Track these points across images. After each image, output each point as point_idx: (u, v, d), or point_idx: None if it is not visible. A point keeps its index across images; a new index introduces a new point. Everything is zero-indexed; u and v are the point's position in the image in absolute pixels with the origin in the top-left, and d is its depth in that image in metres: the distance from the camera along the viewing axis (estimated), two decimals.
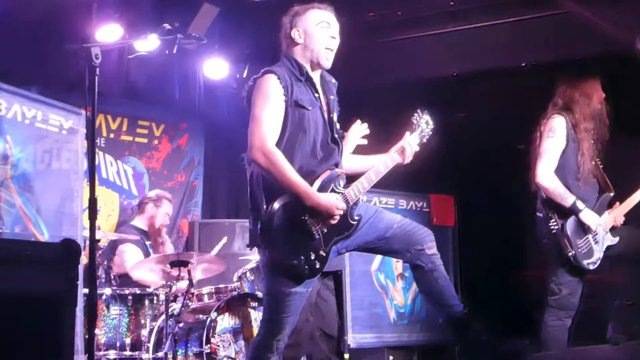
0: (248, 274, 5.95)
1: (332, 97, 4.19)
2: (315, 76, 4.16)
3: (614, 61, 6.73)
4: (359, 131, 4.52)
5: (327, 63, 4.14)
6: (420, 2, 6.93)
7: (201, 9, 6.81)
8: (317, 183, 3.94)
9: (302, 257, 3.88)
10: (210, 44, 7.29)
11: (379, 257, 7.87)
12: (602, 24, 6.24)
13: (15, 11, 6.12)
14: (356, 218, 4.05)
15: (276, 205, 3.84)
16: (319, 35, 4.11)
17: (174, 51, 6.21)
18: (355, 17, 7.06)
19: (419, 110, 4.43)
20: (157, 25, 5.77)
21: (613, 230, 5.31)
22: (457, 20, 7.15)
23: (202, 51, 7.53)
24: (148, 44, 6.69)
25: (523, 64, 7.74)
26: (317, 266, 3.93)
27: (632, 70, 6.34)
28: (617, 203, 5.41)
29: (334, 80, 4.29)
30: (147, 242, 6.76)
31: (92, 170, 4.02)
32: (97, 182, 4.00)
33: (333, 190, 3.98)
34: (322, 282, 4.82)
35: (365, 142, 4.50)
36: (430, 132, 4.44)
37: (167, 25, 4.91)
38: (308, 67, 4.12)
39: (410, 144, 4.28)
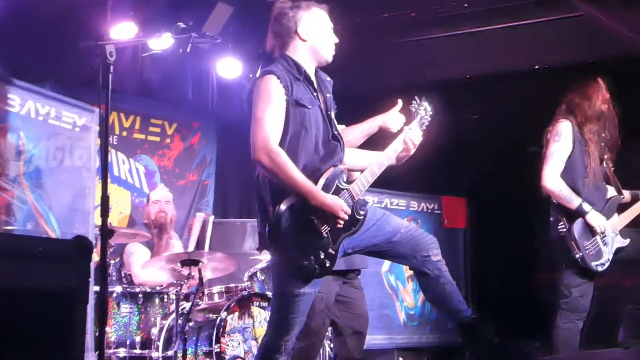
0: (258, 274, 5.95)
1: (328, 95, 4.18)
2: (312, 74, 4.14)
3: (628, 64, 6.71)
4: (400, 118, 4.51)
5: (330, 59, 4.16)
6: (435, 3, 6.92)
7: (215, 8, 6.82)
8: (322, 181, 3.93)
9: (312, 257, 3.87)
10: (224, 43, 7.30)
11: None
12: (616, 26, 6.22)
13: (30, 8, 6.14)
14: (362, 213, 4.03)
15: (283, 206, 3.82)
16: (326, 37, 4.12)
17: (188, 50, 6.20)
18: (369, 17, 7.07)
19: (416, 98, 4.40)
20: (171, 23, 5.76)
21: (623, 231, 5.30)
22: (471, 22, 7.14)
23: (215, 50, 7.54)
24: (162, 42, 6.70)
25: (536, 67, 7.72)
26: (327, 265, 3.92)
27: None
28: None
29: (329, 79, 4.27)
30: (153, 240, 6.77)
31: (104, 168, 4.04)
32: (109, 180, 4.01)
33: (337, 187, 3.96)
34: (345, 282, 4.81)
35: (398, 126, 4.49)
36: (430, 119, 4.39)
37: (181, 24, 4.92)
38: (307, 65, 4.10)
39: (412, 136, 4.24)
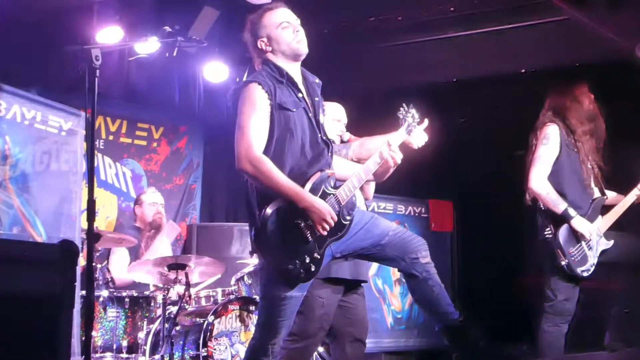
0: (246, 278, 5.95)
1: (316, 98, 4.16)
2: (297, 76, 4.13)
3: (613, 67, 6.74)
4: (424, 136, 4.55)
5: (303, 50, 4.11)
6: (421, 7, 6.93)
7: (202, 12, 6.82)
8: (308, 185, 3.93)
9: (297, 261, 3.87)
10: (211, 47, 7.29)
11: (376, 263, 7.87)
12: (602, 30, 6.24)
13: (16, 12, 6.12)
14: (348, 218, 4.03)
15: (269, 210, 3.83)
16: (284, 36, 4.09)
17: (174, 54, 6.17)
18: (356, 21, 7.08)
19: (404, 105, 4.41)
20: (157, 27, 5.74)
21: (607, 233, 5.32)
22: (458, 25, 7.16)
23: (202, 54, 7.53)
24: (148, 46, 6.66)
25: (523, 70, 7.75)
26: (312, 269, 3.92)
27: (632, 76, 6.34)
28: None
29: (317, 80, 4.25)
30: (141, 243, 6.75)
31: (90, 172, 4.02)
32: (95, 184, 4.00)
33: (324, 192, 3.96)
34: (348, 289, 4.82)
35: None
36: (417, 125, 4.40)
37: (167, 28, 4.91)
38: (287, 67, 4.10)
39: (392, 154, 4.22)
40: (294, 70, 4.13)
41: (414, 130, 4.36)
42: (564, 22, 6.62)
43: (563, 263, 5.14)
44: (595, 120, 5.35)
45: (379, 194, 8.32)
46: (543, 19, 6.85)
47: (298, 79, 4.14)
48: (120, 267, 6.48)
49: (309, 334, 4.64)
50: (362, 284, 5.05)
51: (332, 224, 3.91)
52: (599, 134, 5.37)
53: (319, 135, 4.09)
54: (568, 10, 6.28)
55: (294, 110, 4.01)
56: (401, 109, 4.37)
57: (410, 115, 4.38)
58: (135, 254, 6.62)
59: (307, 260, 3.90)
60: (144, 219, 6.86)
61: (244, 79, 4.11)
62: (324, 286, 4.70)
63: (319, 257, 3.94)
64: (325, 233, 3.91)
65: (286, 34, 4.10)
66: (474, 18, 6.99)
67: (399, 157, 4.19)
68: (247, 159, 3.83)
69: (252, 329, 5.62)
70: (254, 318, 5.63)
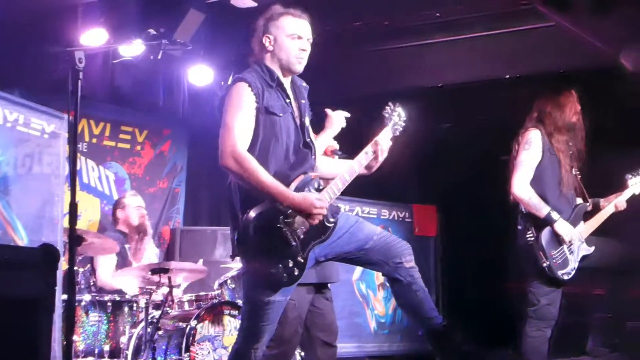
0: (229, 282, 5.93)
1: (303, 101, 4.17)
2: (286, 81, 4.13)
3: (597, 73, 6.77)
4: (340, 118, 4.59)
5: (299, 68, 4.10)
6: (407, 12, 6.93)
7: (187, 15, 6.79)
8: (291, 188, 3.92)
9: (280, 265, 3.85)
10: (196, 51, 7.27)
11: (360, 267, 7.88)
12: (587, 37, 6.27)
13: None
14: (332, 221, 4.02)
15: (252, 213, 3.82)
16: (288, 46, 4.07)
17: (159, 57, 6.19)
18: (342, 26, 7.08)
19: (390, 103, 4.41)
20: (142, 30, 5.76)
21: (588, 239, 5.34)
22: (443, 31, 7.17)
23: (187, 57, 7.51)
24: (133, 49, 6.67)
25: (507, 76, 7.78)
26: (296, 273, 3.90)
27: (616, 83, 6.38)
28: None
29: (305, 84, 4.26)
30: (127, 245, 6.71)
31: (73, 175, 4.00)
32: (78, 187, 3.97)
33: None
34: (317, 292, 4.79)
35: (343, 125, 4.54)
36: (404, 124, 4.41)
37: (152, 31, 4.92)
38: (279, 73, 4.10)
39: (381, 142, 4.24)
40: (284, 78, 4.13)
41: (399, 129, 4.38)
42: (549, 29, 6.65)
43: (544, 265, 5.15)
44: (573, 130, 5.36)
45: (363, 198, 8.34)
46: (528, 26, 6.87)
47: (287, 84, 4.14)
48: (108, 272, 6.43)
49: (285, 339, 4.60)
50: (329, 287, 5.03)
51: (324, 212, 3.89)
52: (576, 144, 5.38)
53: (304, 138, 4.09)
54: (553, 17, 6.30)
55: (281, 115, 4.01)
56: (387, 107, 4.38)
57: (396, 114, 4.39)
58: (122, 258, 6.58)
59: (291, 265, 3.88)
60: (129, 222, 6.81)
61: (229, 82, 4.09)
62: (295, 289, 4.67)
63: (302, 260, 3.92)
64: (317, 223, 3.89)
65: (292, 45, 4.08)
66: (459, 24, 7.00)
67: (386, 145, 4.23)
68: (232, 155, 3.82)
69: (235, 333, 5.59)
70: (237, 322, 5.61)
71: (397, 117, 4.39)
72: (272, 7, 4.20)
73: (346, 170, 4.15)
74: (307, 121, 4.15)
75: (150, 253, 6.80)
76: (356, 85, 8.05)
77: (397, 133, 4.40)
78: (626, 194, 5.56)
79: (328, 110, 4.72)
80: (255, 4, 6.37)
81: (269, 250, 3.85)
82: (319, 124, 4.63)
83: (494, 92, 7.82)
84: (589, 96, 5.50)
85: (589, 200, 5.51)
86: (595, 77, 6.77)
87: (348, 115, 4.71)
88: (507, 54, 7.34)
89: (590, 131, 5.43)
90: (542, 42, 7.01)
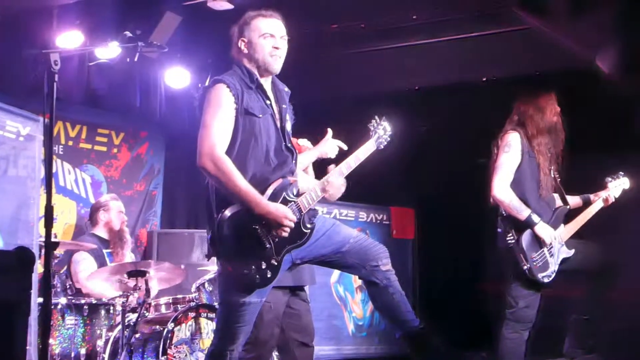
0: (206, 285, 5.92)
1: (284, 105, 4.18)
2: (267, 83, 4.14)
3: (573, 76, 6.81)
4: (333, 144, 4.65)
5: (275, 67, 4.10)
6: (383, 15, 6.95)
7: (163, 18, 6.77)
8: (269, 191, 3.93)
9: (253, 267, 3.85)
10: (172, 53, 7.26)
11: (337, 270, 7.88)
12: (562, 40, 6.31)
13: None
14: (309, 226, 4.03)
15: (227, 213, 3.82)
16: (261, 46, 4.07)
17: (135, 59, 6.15)
18: (319, 28, 7.08)
19: (376, 117, 4.44)
20: (118, 32, 5.73)
21: (568, 242, 5.37)
22: (420, 34, 7.19)
23: (163, 60, 7.50)
24: (109, 51, 6.64)
25: (484, 79, 7.81)
26: (269, 275, 3.90)
27: (591, 84, 6.42)
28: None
29: (287, 89, 4.27)
30: (106, 251, 6.67)
31: (49, 178, 3.98)
32: (54, 190, 3.96)
33: (285, 199, 3.96)
34: (293, 294, 4.78)
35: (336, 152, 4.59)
36: (389, 139, 4.44)
37: (128, 33, 4.89)
38: (258, 75, 4.10)
39: (360, 154, 4.32)
40: (264, 80, 4.13)
41: (384, 143, 4.42)
42: (525, 32, 6.69)
43: (525, 268, 5.16)
44: (553, 132, 5.38)
45: (341, 200, 8.34)
46: (504, 29, 6.90)
47: (267, 86, 4.15)
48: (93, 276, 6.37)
49: (261, 342, 4.58)
50: (306, 289, 5.03)
51: (292, 225, 3.90)
52: (556, 147, 5.41)
53: (284, 143, 4.09)
54: (529, 20, 6.34)
55: (261, 116, 4.01)
56: (373, 120, 4.42)
57: (381, 127, 4.43)
58: (101, 265, 6.51)
59: (264, 266, 3.88)
60: (111, 226, 6.77)
61: (207, 84, 4.09)
62: (271, 291, 4.66)
63: (276, 263, 3.92)
64: (286, 235, 3.90)
65: (265, 44, 4.08)
66: (436, 26, 7.02)
67: (335, 188, 4.35)
68: (209, 156, 3.82)
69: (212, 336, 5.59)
70: (214, 325, 5.60)
71: (382, 130, 4.43)
72: (247, 12, 4.21)
73: (325, 177, 4.20)
74: (288, 126, 4.15)
75: (128, 258, 6.75)
76: (333, 88, 8.06)
77: (382, 147, 4.44)
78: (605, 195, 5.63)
79: (329, 131, 4.73)
80: (231, 7, 6.37)
81: (243, 251, 3.85)
82: (308, 126, 4.65)
83: (471, 95, 7.85)
84: (565, 98, 5.52)
85: (579, 197, 5.56)
86: (570, 79, 6.81)
87: (345, 147, 4.71)
88: (484, 57, 7.38)
89: (567, 132, 5.46)
90: (517, 45, 7.05)
